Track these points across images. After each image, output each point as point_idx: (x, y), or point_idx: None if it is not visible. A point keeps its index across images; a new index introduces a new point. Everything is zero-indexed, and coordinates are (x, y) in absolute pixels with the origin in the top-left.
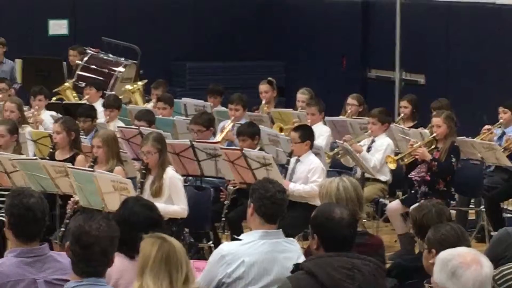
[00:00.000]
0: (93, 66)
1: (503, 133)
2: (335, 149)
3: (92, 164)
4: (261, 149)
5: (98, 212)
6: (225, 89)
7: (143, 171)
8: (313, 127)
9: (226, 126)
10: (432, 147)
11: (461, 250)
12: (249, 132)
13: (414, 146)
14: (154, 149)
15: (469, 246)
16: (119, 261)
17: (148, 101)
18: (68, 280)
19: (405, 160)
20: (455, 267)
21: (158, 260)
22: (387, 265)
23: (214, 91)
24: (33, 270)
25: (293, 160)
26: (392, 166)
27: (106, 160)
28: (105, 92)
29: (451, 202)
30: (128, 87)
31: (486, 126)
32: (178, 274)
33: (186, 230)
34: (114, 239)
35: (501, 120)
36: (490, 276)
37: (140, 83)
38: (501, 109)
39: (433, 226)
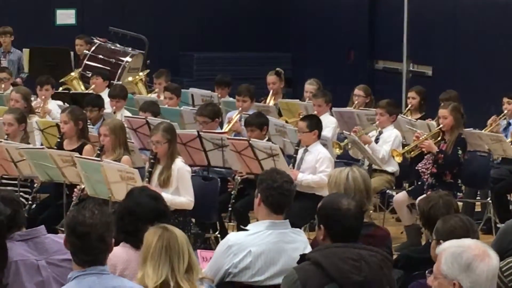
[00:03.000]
0: (100, 56)
1: (509, 124)
2: (345, 141)
3: (98, 152)
4: (268, 140)
5: (89, 199)
6: (233, 79)
7: (152, 161)
8: None
9: (233, 117)
10: (439, 138)
11: (469, 242)
12: (258, 123)
13: (420, 138)
14: (164, 139)
15: (477, 237)
16: (125, 251)
17: (152, 91)
18: (69, 260)
19: (412, 153)
20: (470, 260)
21: (158, 248)
22: (394, 256)
23: (222, 82)
24: (34, 251)
25: (301, 150)
26: (398, 159)
27: (113, 149)
28: (112, 81)
29: (458, 194)
30: (130, 78)
31: (492, 117)
32: (180, 263)
33: (193, 220)
34: (109, 224)
35: (505, 111)
36: (498, 267)
37: (141, 73)
38: (505, 99)
39: (441, 217)
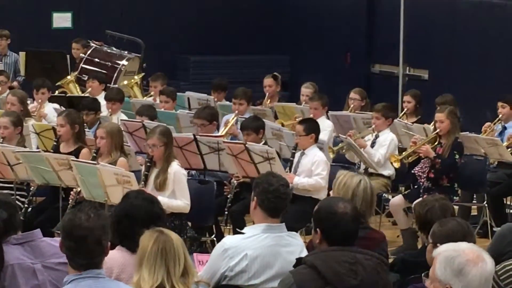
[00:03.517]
0: (96, 59)
1: (504, 128)
2: (339, 144)
3: (94, 155)
4: (265, 143)
5: (85, 202)
6: (229, 83)
7: (148, 164)
8: None
9: (230, 120)
10: (436, 143)
11: (464, 246)
12: (254, 126)
13: (418, 143)
14: (160, 142)
15: (474, 241)
16: (121, 255)
17: (147, 94)
18: (65, 263)
19: (409, 158)
20: (463, 264)
21: (154, 252)
22: (390, 260)
23: (218, 86)
24: (30, 255)
25: (298, 153)
26: (396, 165)
27: (109, 152)
28: (108, 85)
29: (454, 197)
30: (125, 82)
31: (487, 124)
32: (176, 267)
33: (189, 223)
34: (106, 227)
35: (500, 115)
36: (493, 272)
37: (136, 77)
38: (500, 103)
39: (438, 221)
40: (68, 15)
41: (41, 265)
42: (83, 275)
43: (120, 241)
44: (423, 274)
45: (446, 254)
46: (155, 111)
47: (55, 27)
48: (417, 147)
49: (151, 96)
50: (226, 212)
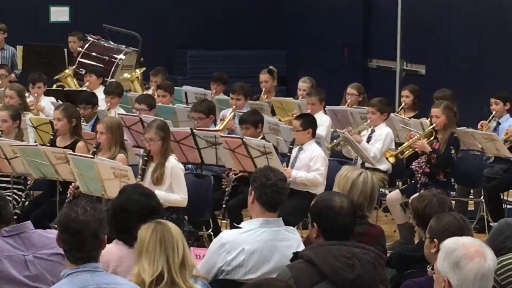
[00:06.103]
0: (94, 53)
1: (498, 124)
2: (335, 140)
3: (95, 150)
4: (262, 138)
5: (84, 196)
6: (227, 77)
7: (145, 158)
8: None
9: (227, 115)
10: (432, 138)
11: (466, 240)
12: (253, 120)
13: (414, 138)
14: (157, 137)
15: (471, 235)
16: (118, 249)
17: (147, 88)
18: (58, 254)
19: (405, 153)
20: (459, 258)
21: (153, 242)
22: (387, 255)
23: (219, 79)
24: (21, 247)
25: (296, 148)
26: (391, 160)
27: (109, 147)
28: (105, 79)
29: (451, 192)
30: (127, 75)
31: (482, 122)
32: (175, 255)
33: (186, 218)
34: (102, 221)
35: (494, 112)
36: (493, 269)
37: (138, 71)
38: (492, 100)
39: (435, 215)
40: (66, 9)
41: (33, 256)
42: (80, 269)
43: (117, 235)
44: (428, 267)
45: (447, 246)
46: (154, 100)
47: (53, 21)
48: (412, 142)
49: (149, 89)
50: (223, 206)
